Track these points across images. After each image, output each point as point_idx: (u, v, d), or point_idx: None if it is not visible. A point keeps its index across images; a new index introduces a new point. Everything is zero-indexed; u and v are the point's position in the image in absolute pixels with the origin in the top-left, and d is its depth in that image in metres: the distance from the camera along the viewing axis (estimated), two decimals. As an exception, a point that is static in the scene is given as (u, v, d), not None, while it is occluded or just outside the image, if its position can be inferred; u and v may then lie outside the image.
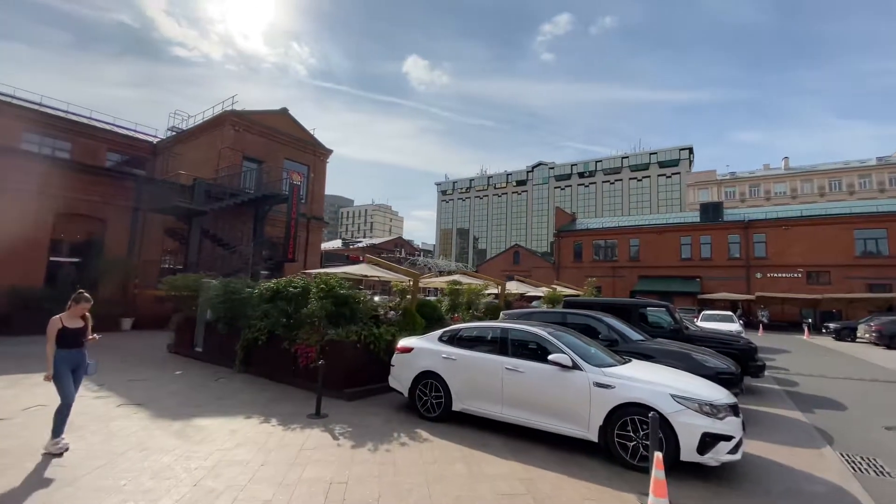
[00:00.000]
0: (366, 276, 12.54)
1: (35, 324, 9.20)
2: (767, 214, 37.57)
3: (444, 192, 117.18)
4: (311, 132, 28.00)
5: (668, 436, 4.73)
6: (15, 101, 21.89)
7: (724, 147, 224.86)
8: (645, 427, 4.87)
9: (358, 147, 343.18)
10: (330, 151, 28.84)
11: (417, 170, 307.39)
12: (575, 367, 5.53)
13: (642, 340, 8.48)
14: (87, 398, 7.09)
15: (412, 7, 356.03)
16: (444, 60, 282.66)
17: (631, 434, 4.98)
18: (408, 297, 11.48)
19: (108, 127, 25.59)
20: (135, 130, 26.97)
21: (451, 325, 9.14)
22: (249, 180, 22.47)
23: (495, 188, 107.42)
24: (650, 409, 4.85)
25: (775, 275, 34.47)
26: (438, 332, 7.17)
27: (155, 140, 27.25)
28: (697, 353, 7.87)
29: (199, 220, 18.72)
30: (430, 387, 6.65)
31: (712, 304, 32.66)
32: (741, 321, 22.61)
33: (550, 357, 5.66)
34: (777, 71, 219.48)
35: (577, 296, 19.81)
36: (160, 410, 6.63)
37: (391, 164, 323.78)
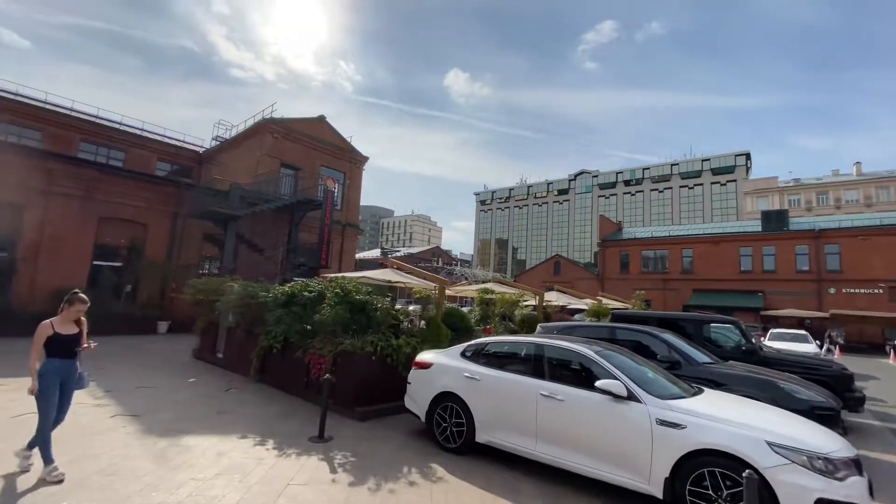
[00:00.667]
0: (388, 280, 11.74)
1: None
2: (841, 223, 33.80)
3: (483, 203, 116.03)
4: (349, 139, 27.96)
5: (763, 499, 3.46)
6: (73, 114, 23.15)
7: (784, 153, 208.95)
8: (730, 483, 3.62)
9: (399, 159, 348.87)
10: (366, 158, 28.65)
11: (457, 181, 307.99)
12: (631, 397, 4.33)
13: (711, 363, 7.06)
14: (87, 405, 6.62)
15: (454, 21, 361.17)
16: (485, 72, 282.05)
17: (710, 492, 3.72)
18: (433, 305, 10.54)
19: (158, 138, 26.73)
20: (182, 141, 28.01)
21: (481, 337, 8.11)
22: (286, 186, 22.51)
23: (535, 197, 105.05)
24: (736, 459, 3.60)
25: (852, 290, 30.75)
26: (461, 347, 6.12)
27: (201, 150, 28.18)
28: (784, 380, 6.37)
29: (235, 225, 18.72)
30: (450, 411, 5.60)
31: (776, 322, 29.50)
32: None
33: (598, 383, 4.49)
34: (843, 73, 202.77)
35: (626, 309, 18.12)
36: (152, 424, 5.99)
37: (431, 175, 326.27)
